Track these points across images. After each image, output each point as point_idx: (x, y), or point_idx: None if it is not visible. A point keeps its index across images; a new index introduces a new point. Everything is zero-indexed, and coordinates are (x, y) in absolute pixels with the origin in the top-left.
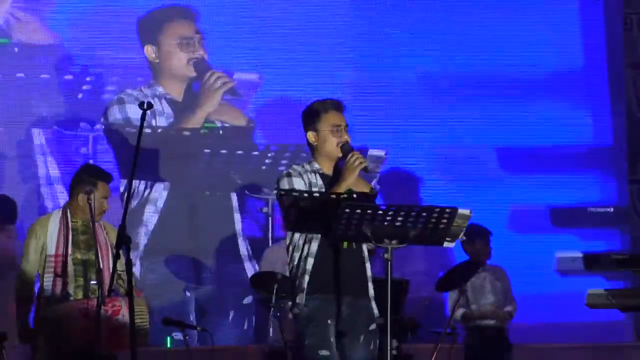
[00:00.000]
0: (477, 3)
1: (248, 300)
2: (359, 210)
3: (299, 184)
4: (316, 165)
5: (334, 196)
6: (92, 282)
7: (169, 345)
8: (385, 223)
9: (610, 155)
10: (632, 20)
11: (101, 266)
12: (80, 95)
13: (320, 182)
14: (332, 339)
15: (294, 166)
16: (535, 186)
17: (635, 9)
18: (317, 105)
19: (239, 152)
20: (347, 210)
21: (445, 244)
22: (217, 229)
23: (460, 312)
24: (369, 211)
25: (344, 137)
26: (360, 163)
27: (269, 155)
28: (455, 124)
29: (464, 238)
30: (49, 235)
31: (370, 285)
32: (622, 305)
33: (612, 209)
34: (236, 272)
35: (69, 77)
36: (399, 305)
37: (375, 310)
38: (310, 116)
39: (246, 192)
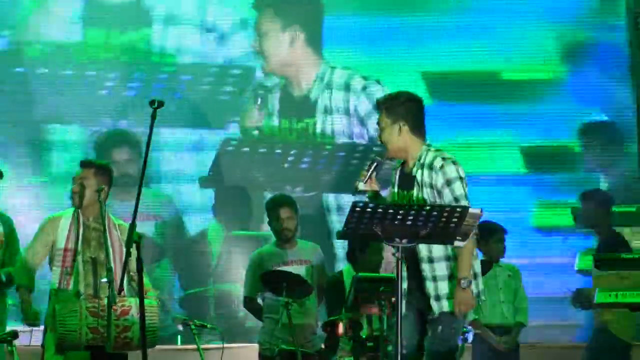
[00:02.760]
0: None
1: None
2: (369, 209)
3: None
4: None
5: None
6: (102, 280)
7: (179, 343)
8: (396, 222)
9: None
10: None
11: (112, 265)
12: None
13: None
14: None
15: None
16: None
17: None
18: None
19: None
20: (358, 208)
21: (456, 243)
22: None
23: (471, 316)
24: (379, 210)
25: None
26: None
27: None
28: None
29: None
30: (59, 231)
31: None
32: (630, 305)
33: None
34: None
35: None
36: None
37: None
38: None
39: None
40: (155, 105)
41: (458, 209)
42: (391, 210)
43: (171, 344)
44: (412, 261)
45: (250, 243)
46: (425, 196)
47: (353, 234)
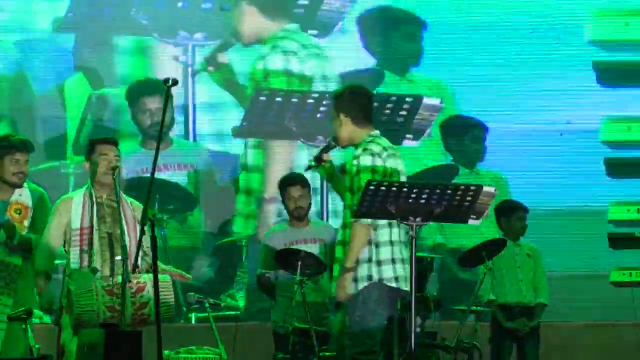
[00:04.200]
0: None
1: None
2: (383, 187)
3: None
4: None
5: None
6: (117, 258)
7: (193, 322)
8: (410, 200)
9: None
10: None
11: (127, 242)
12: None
13: None
14: None
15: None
16: None
17: None
18: None
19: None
20: (372, 187)
21: (470, 222)
22: None
23: (487, 296)
24: (393, 188)
25: None
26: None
27: None
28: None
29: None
30: (72, 211)
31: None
32: None
33: None
34: None
35: None
36: (423, 282)
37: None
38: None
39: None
40: (170, 83)
41: (472, 188)
42: (405, 189)
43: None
44: None
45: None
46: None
47: (367, 213)
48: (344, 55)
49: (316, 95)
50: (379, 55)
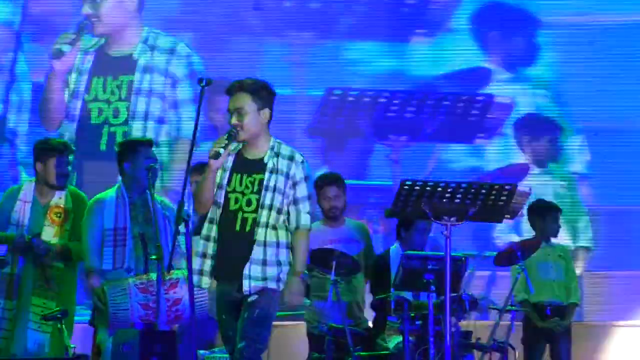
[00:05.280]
0: None
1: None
2: (417, 187)
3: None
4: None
5: None
6: (151, 257)
7: None
8: (444, 199)
9: None
10: None
11: (160, 242)
12: None
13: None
14: None
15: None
16: None
17: None
18: None
19: None
20: (406, 186)
21: (505, 221)
22: None
23: (520, 296)
24: (427, 188)
25: (232, 122)
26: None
27: None
28: None
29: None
30: (105, 211)
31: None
32: None
33: None
34: None
35: None
36: (457, 282)
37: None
38: None
39: None
40: (204, 83)
41: (507, 187)
42: (439, 188)
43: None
44: None
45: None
46: (277, 183)
47: (401, 212)
48: (452, 53)
49: (387, 94)
50: (490, 53)
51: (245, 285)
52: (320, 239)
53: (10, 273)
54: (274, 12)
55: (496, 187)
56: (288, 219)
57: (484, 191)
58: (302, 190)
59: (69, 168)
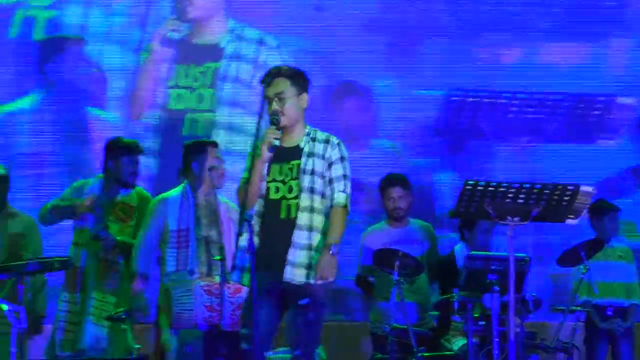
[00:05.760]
0: None
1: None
2: (480, 187)
3: (249, 161)
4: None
5: None
6: (215, 259)
7: None
8: (507, 200)
9: None
10: None
11: (224, 243)
12: None
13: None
14: None
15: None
16: None
17: None
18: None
19: None
20: (469, 187)
21: (568, 221)
22: None
23: (583, 297)
24: (490, 188)
25: (272, 108)
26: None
27: None
28: None
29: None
30: (169, 213)
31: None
32: None
33: None
34: None
35: None
36: (521, 282)
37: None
38: None
39: None
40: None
41: (570, 187)
42: (502, 189)
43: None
44: None
45: None
46: (315, 167)
47: (465, 213)
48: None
49: (508, 95)
50: None
51: (287, 272)
52: (383, 239)
53: (74, 266)
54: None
55: (559, 187)
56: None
57: (547, 191)
58: (338, 170)
59: (138, 167)
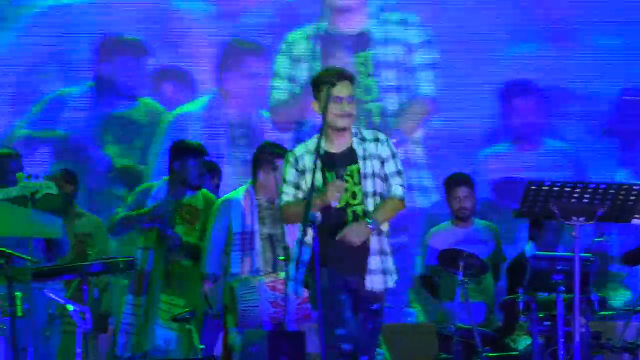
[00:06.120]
0: None
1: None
2: (545, 187)
3: (290, 174)
4: (321, 144)
5: None
6: (279, 257)
7: None
8: (572, 200)
9: None
10: None
11: (288, 243)
12: None
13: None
14: None
15: (296, 148)
16: None
17: None
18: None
19: None
20: (533, 187)
21: (634, 221)
22: None
23: None
24: (555, 188)
25: (345, 109)
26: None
27: None
28: None
29: None
30: (233, 214)
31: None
32: None
33: None
34: None
35: None
36: (586, 282)
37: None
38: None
39: None
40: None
41: (635, 187)
42: (567, 189)
43: None
44: None
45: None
46: (375, 169)
47: (529, 213)
48: None
49: None
50: None
51: (368, 282)
52: (448, 239)
53: (140, 269)
54: None
55: (625, 186)
56: None
57: (612, 191)
58: (391, 166)
59: (204, 169)
